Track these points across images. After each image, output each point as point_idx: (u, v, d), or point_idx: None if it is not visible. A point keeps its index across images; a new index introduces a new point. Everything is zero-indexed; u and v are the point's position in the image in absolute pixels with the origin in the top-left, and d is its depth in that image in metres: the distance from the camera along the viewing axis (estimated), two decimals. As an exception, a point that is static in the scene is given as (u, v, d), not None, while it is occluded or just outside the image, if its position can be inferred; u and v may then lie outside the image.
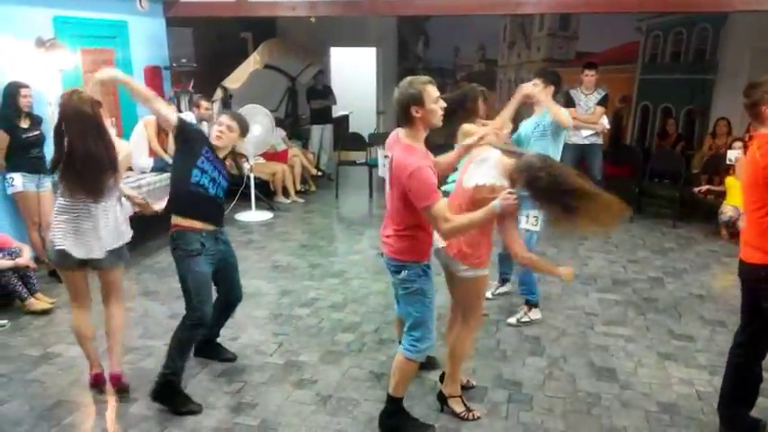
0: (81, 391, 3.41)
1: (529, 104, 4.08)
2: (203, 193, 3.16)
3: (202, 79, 7.35)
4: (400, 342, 3.26)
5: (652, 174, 7.37)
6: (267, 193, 7.59)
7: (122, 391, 3.32)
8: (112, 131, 3.31)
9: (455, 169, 3.19)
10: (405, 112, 2.63)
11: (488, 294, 4.46)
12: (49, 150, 5.00)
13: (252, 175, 7.05)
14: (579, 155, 6.52)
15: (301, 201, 7.82)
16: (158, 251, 5.67)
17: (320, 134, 9.19)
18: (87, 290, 3.31)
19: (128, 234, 3.31)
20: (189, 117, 6.31)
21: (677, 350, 3.90)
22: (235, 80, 7.60)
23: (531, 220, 4.06)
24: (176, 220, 3.18)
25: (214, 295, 3.42)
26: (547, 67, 7.59)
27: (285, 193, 7.81)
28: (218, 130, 3.25)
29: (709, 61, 8.39)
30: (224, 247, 3.40)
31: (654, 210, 7.25)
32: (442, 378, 3.30)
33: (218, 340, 3.77)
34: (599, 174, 6.56)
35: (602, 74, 6.60)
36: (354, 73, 10.70)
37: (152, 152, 6.10)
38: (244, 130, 3.33)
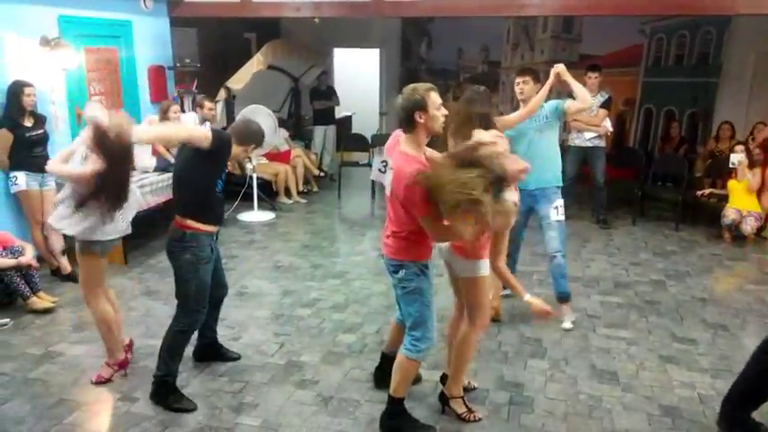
0: (83, 390, 3.41)
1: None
2: (220, 197, 3.24)
3: (206, 79, 7.36)
4: (385, 349, 3.33)
5: (655, 177, 7.37)
6: (269, 194, 7.59)
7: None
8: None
9: None
10: (409, 118, 2.68)
11: (490, 296, 4.45)
12: (52, 149, 5.03)
13: (254, 176, 7.06)
14: (582, 158, 6.52)
15: (304, 201, 7.83)
16: (161, 251, 5.64)
17: (323, 135, 9.20)
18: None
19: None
20: (192, 117, 6.34)
21: (679, 353, 3.89)
22: (238, 80, 7.62)
23: (560, 210, 4.09)
24: (192, 223, 3.11)
25: None
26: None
27: (287, 193, 7.82)
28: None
29: (712, 64, 8.37)
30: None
31: (656, 213, 7.24)
32: (442, 379, 3.30)
33: (219, 341, 3.76)
34: (602, 177, 6.56)
35: (606, 76, 6.59)
36: (357, 74, 10.71)
37: (155, 151, 6.10)
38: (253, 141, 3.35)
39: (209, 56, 7.48)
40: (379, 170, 2.82)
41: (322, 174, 8.94)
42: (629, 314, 4.48)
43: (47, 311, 4.36)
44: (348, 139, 8.95)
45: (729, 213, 6.20)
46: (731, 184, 6.35)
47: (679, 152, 7.92)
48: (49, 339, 3.99)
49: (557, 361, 3.77)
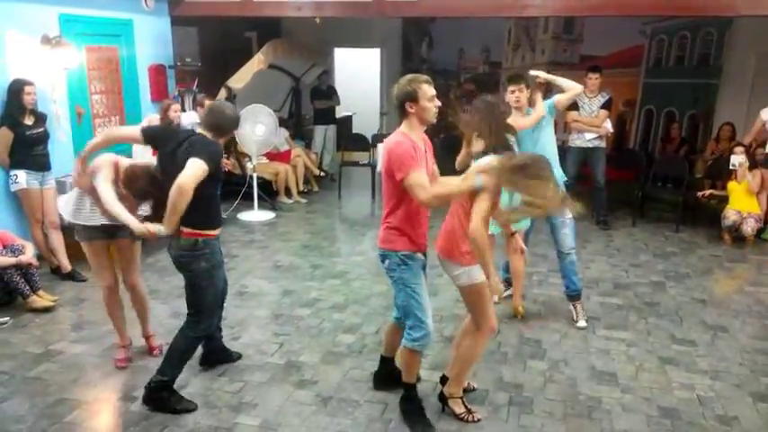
0: (82, 388, 3.41)
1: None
2: (219, 200, 3.29)
3: (207, 78, 7.36)
4: (383, 352, 3.40)
5: (655, 178, 7.37)
6: (270, 193, 7.59)
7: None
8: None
9: None
10: (400, 107, 2.86)
11: (495, 298, 4.44)
12: (53, 148, 5.04)
13: (255, 175, 7.06)
14: (582, 158, 6.51)
15: (304, 201, 7.83)
16: (160, 250, 5.66)
17: (323, 134, 9.19)
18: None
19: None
20: (192, 116, 6.33)
21: (678, 355, 3.89)
22: (239, 80, 7.62)
23: None
24: (201, 231, 3.08)
25: None
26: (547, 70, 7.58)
27: (288, 193, 7.82)
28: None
29: (713, 66, 8.38)
30: None
31: (656, 214, 7.24)
32: (442, 380, 3.30)
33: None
34: (602, 177, 6.56)
35: (606, 77, 6.59)
36: (358, 74, 10.71)
37: (155, 152, 6.08)
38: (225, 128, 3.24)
39: (209, 55, 7.47)
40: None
41: (322, 173, 8.93)
42: (629, 315, 4.48)
43: (47, 310, 4.36)
44: (348, 139, 8.95)
45: (730, 215, 6.21)
46: (731, 185, 6.36)
47: (679, 153, 7.92)
48: (49, 338, 3.99)
49: (556, 362, 3.77)
